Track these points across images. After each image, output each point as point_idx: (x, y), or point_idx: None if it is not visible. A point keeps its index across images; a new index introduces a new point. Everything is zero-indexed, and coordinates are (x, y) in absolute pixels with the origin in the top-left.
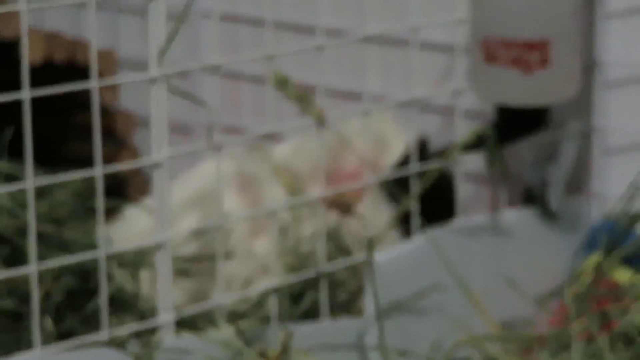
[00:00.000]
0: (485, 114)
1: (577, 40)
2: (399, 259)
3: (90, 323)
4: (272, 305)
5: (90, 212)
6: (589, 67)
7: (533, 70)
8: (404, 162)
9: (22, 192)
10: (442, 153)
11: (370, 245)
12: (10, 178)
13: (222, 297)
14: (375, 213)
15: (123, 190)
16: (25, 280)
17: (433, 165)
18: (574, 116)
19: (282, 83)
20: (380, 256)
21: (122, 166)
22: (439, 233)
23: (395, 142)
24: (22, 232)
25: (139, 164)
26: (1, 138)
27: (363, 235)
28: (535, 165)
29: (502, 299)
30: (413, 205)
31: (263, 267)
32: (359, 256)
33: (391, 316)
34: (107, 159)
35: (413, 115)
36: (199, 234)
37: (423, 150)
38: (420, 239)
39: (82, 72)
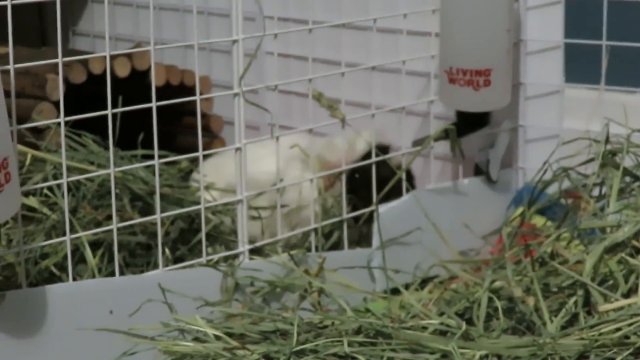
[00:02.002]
0: (449, 117)
1: (508, 69)
2: (394, 209)
3: (194, 251)
4: (313, 240)
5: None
6: (515, 86)
7: (480, 88)
8: (365, 157)
9: (151, 167)
10: (422, 141)
11: (377, 200)
12: (144, 158)
13: (281, 234)
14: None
15: None
16: (152, 223)
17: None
18: (506, 117)
19: (318, 97)
20: (383, 207)
21: (215, 151)
22: (420, 193)
23: (360, 145)
24: (151, 193)
25: (227, 149)
26: (138, 134)
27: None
28: (481, 149)
29: (460, 236)
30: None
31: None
32: (369, 207)
33: (389, 247)
34: (205, 147)
35: (402, 117)
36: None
37: (384, 151)
38: (408, 197)
39: (189, 91)
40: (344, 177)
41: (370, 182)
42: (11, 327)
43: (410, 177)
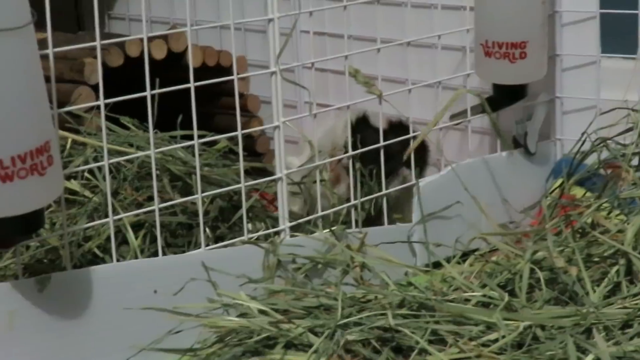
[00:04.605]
0: (485, 90)
1: (544, 41)
2: (434, 184)
3: (235, 230)
4: (352, 215)
5: (232, 160)
6: (551, 58)
7: (516, 61)
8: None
9: (190, 148)
10: (458, 116)
11: (417, 175)
12: (183, 139)
13: (322, 210)
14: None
15: (253, 146)
16: (192, 203)
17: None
18: (543, 90)
19: (355, 74)
20: (423, 182)
21: (253, 130)
22: (459, 166)
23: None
24: (190, 173)
25: (264, 128)
26: (175, 116)
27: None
28: (518, 122)
29: (500, 209)
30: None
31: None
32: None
33: (429, 222)
34: (243, 126)
35: (438, 92)
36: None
37: (366, 122)
38: (448, 171)
39: (225, 71)
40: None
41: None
42: (57, 308)
43: (425, 151)
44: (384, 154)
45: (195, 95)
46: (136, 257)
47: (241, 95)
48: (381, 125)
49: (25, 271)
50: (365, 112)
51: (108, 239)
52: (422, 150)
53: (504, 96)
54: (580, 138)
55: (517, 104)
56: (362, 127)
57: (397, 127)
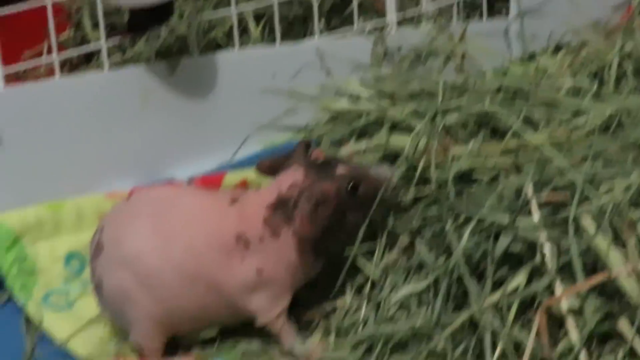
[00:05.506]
0: None
1: None
2: None
3: (347, 22)
4: (455, 10)
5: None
6: None
7: None
8: None
9: None
10: None
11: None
12: None
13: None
14: None
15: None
16: None
17: None
18: None
19: None
20: None
21: None
22: None
23: None
24: None
25: None
26: None
27: None
28: None
29: (592, 6)
30: None
31: None
32: None
33: (525, 16)
34: None
35: None
36: None
37: None
38: None
39: None
40: None
41: None
42: (185, 90)
43: None
44: None
45: None
46: (256, 45)
47: None
48: None
49: (157, 56)
50: None
51: (231, 28)
52: None
53: None
54: None
55: None
56: None
57: None
